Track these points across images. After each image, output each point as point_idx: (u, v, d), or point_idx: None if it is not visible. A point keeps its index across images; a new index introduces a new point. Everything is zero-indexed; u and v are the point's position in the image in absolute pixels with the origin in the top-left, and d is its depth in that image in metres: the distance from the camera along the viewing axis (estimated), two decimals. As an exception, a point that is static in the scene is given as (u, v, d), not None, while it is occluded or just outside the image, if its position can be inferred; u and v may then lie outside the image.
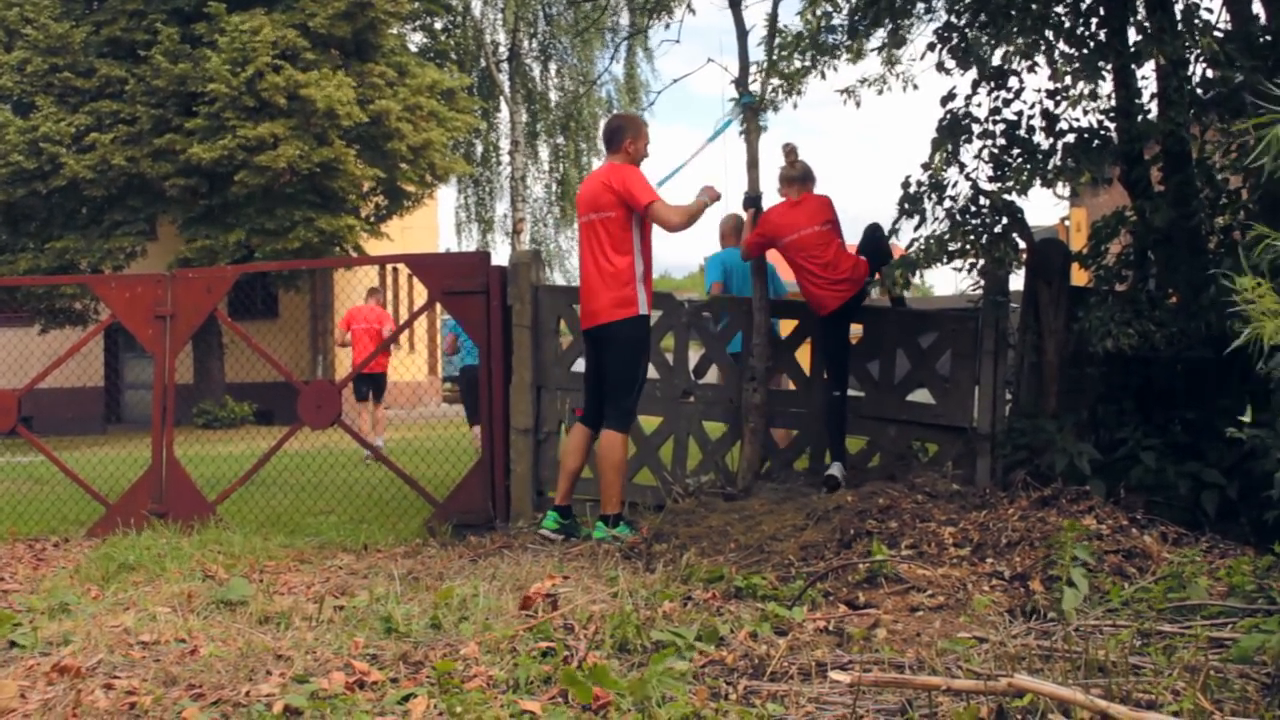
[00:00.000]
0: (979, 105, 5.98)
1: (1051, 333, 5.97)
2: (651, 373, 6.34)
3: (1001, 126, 5.93)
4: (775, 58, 6.73)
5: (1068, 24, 5.77)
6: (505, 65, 28.39)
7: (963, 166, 5.94)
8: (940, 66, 6.09)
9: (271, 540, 6.23)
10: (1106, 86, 5.96)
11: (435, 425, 14.74)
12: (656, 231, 6.02)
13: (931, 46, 6.12)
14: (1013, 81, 5.94)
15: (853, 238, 6.60)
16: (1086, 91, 5.93)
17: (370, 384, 12.56)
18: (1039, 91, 5.92)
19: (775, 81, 6.84)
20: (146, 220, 20.10)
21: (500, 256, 31.19)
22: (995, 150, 5.90)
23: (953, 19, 6.11)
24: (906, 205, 5.99)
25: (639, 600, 4.02)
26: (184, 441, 11.01)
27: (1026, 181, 5.73)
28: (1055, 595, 3.84)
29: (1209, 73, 5.78)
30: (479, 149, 30.23)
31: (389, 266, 24.14)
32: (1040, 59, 5.79)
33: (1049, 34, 5.73)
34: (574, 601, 4.00)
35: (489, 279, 6.80)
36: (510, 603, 4.15)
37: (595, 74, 29.19)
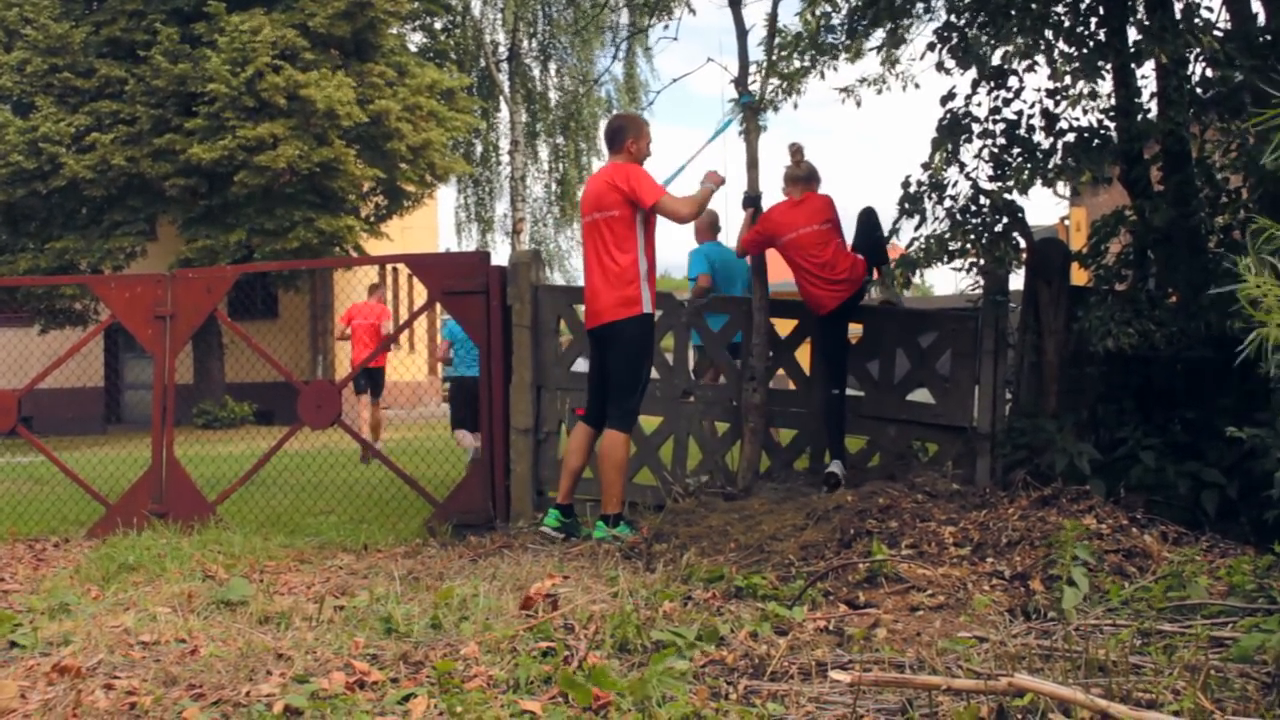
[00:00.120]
0: (979, 105, 5.99)
1: (1051, 332, 5.98)
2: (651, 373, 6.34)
3: (1001, 126, 5.93)
4: (775, 58, 6.74)
5: (1067, 23, 5.77)
6: (505, 65, 28.39)
7: (963, 166, 5.94)
8: (940, 66, 6.09)
9: (271, 540, 6.23)
10: (1106, 86, 5.98)
11: (435, 425, 14.73)
12: (658, 231, 6.04)
13: (931, 46, 6.12)
14: (1012, 81, 5.95)
15: (853, 236, 6.60)
16: (1086, 91, 5.93)
17: (368, 379, 12.56)
18: (1039, 91, 5.93)
19: (775, 81, 6.85)
20: (146, 220, 20.10)
21: (500, 256, 31.24)
22: (995, 150, 5.90)
23: (952, 18, 6.11)
24: (907, 205, 6.00)
25: (639, 600, 4.02)
26: (184, 442, 11.01)
27: (1027, 181, 5.74)
28: (1055, 595, 3.84)
29: (1209, 72, 5.78)
30: (479, 149, 30.22)
31: (389, 266, 24.12)
32: (1040, 58, 5.79)
33: (1049, 33, 5.73)
34: (574, 601, 4.00)
35: (489, 279, 6.80)
36: (510, 603, 4.15)
37: (595, 74, 29.21)
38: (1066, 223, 22.22)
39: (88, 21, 19.69)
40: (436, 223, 31.53)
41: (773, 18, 6.77)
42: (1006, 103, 5.95)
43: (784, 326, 6.62)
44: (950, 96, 6.00)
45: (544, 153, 30.65)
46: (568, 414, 6.67)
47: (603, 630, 3.62)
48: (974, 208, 5.89)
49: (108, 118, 19.18)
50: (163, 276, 7.38)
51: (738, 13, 6.68)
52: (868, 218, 6.40)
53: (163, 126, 19.15)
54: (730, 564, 4.62)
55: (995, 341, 6.16)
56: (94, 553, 5.92)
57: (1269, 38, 5.64)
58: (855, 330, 6.57)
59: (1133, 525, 4.57)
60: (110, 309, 7.46)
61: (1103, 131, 5.88)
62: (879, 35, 6.89)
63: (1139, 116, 5.74)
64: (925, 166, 5.97)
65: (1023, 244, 5.95)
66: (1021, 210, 5.88)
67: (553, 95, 30.24)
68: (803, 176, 6.41)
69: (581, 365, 6.86)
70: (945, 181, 5.93)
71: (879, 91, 7.59)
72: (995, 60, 5.94)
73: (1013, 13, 5.62)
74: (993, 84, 5.96)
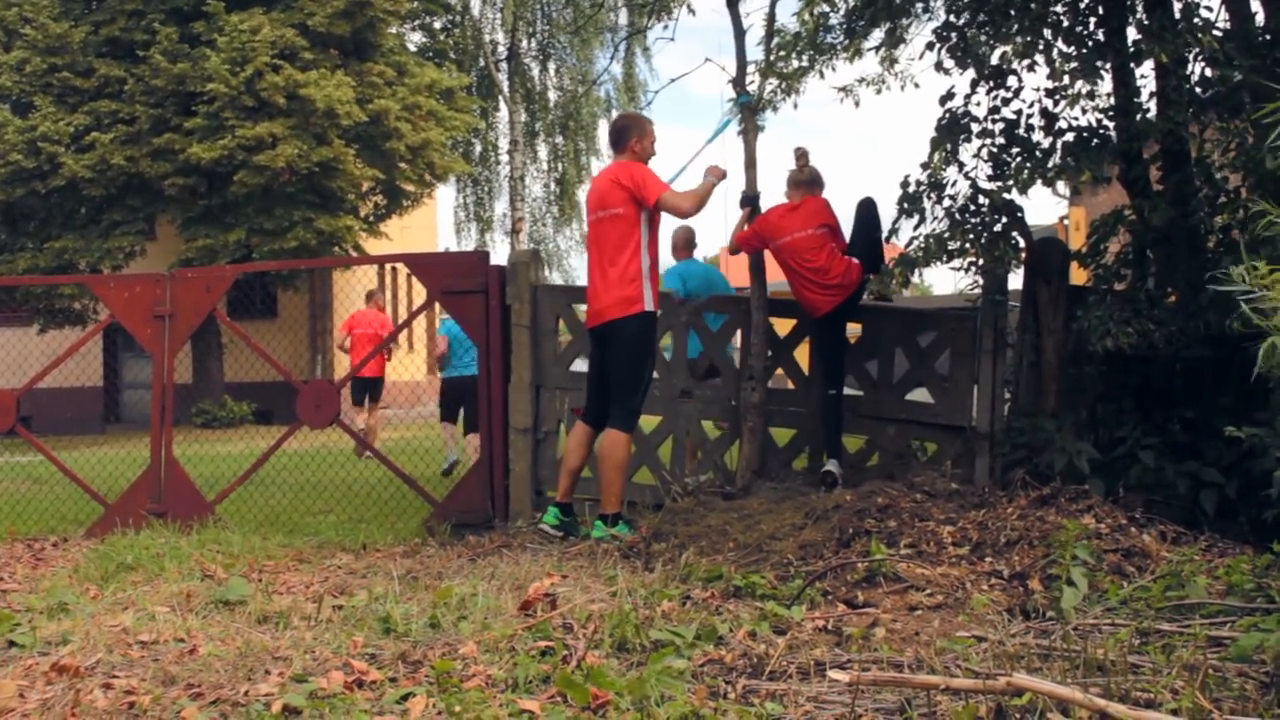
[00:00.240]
0: (978, 104, 5.99)
1: (1050, 332, 5.97)
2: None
3: (1000, 125, 5.92)
4: (773, 58, 6.73)
5: (1066, 23, 5.77)
6: (504, 65, 28.38)
7: (962, 165, 5.94)
8: (939, 66, 6.09)
9: (270, 540, 6.23)
10: (1105, 85, 5.97)
11: (434, 425, 14.71)
12: (662, 231, 6.04)
13: (930, 46, 6.12)
14: (1012, 80, 5.94)
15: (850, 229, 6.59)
16: (1085, 90, 5.93)
17: (368, 389, 12.57)
18: (1038, 90, 5.92)
19: (773, 82, 6.84)
20: (145, 220, 20.10)
21: (499, 256, 31.21)
22: (994, 149, 5.90)
23: (951, 18, 6.11)
24: (906, 204, 5.99)
25: (638, 599, 4.02)
26: (183, 441, 11.01)
27: (1026, 180, 5.73)
28: (1054, 594, 3.84)
29: (1208, 72, 5.78)
30: (478, 148, 30.21)
31: (388, 266, 24.13)
32: (1039, 58, 5.79)
33: (1048, 33, 5.73)
34: (573, 601, 4.00)
35: (488, 278, 6.80)
36: (509, 602, 4.15)
37: (594, 73, 29.20)
38: (1066, 222, 22.24)
39: (87, 21, 19.68)
40: (435, 222, 31.54)
41: (770, 18, 6.77)
42: (1005, 102, 5.95)
43: (783, 326, 6.62)
44: (949, 96, 6.00)
45: (543, 152, 30.69)
46: (566, 413, 6.67)
47: (601, 629, 3.62)
48: (973, 207, 5.89)
49: (107, 117, 19.17)
50: (162, 276, 7.38)
51: (735, 12, 6.68)
52: (867, 210, 6.38)
53: (162, 126, 19.15)
54: (729, 563, 4.61)
55: (994, 341, 6.16)
56: (93, 552, 5.92)
57: (1268, 37, 5.64)
58: (854, 330, 6.56)
59: (1131, 525, 4.57)
60: (109, 308, 7.45)
61: (1102, 131, 5.88)
62: (877, 35, 6.89)
63: (1138, 116, 5.74)
64: (924, 166, 5.96)
65: (1022, 243, 5.95)
66: (1020, 210, 5.88)
67: (552, 95, 30.27)
68: (805, 181, 6.41)
69: (580, 365, 6.86)
70: (944, 181, 5.92)
71: (878, 91, 7.59)
72: (994, 60, 5.94)
73: (1012, 12, 5.62)
74: (992, 83, 5.96)
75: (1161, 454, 5.41)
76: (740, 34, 6.67)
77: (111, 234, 19.58)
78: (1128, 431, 5.60)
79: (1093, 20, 5.83)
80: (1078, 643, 3.27)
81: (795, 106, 7.06)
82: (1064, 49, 5.75)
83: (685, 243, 8.20)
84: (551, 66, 30.11)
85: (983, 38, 5.89)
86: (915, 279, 6.29)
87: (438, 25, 25.94)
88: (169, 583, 4.95)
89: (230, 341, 20.81)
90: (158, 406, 7.27)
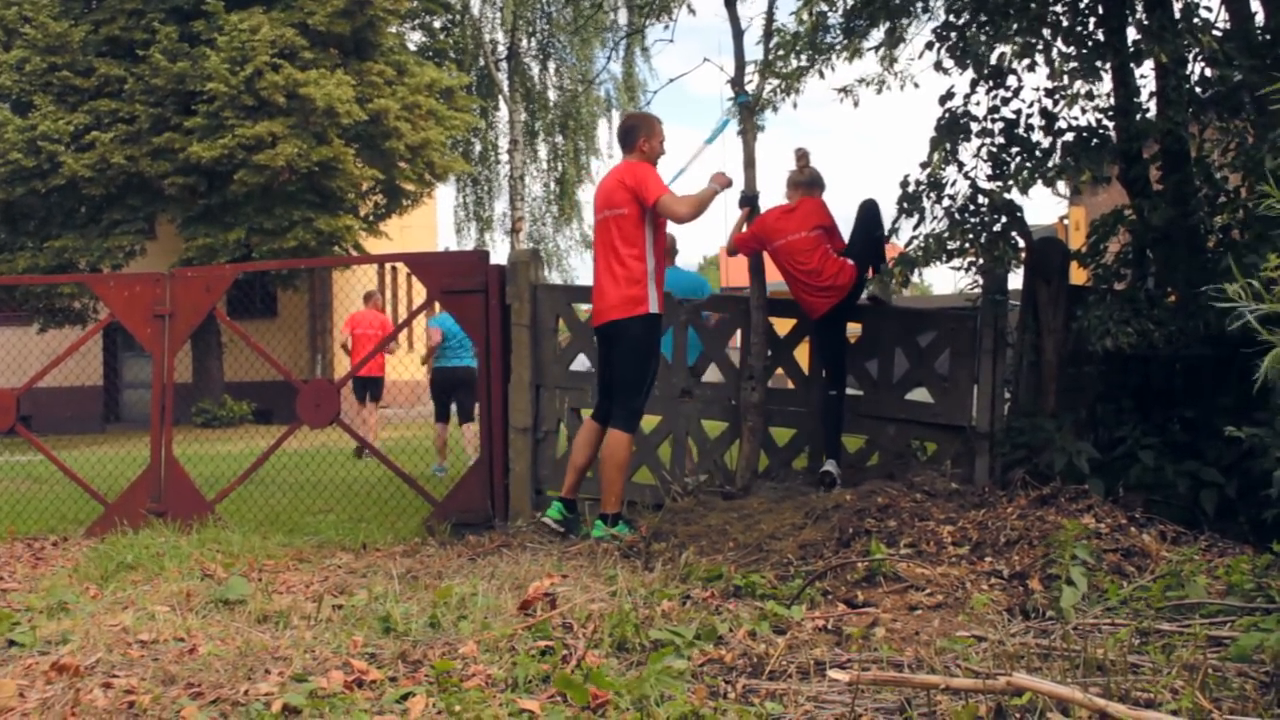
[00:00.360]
0: (977, 104, 5.98)
1: (1050, 331, 5.97)
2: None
3: (1000, 125, 5.92)
4: (772, 58, 6.73)
5: (1066, 23, 5.77)
6: (504, 64, 28.37)
7: (961, 165, 5.94)
8: (939, 65, 6.08)
9: (270, 539, 6.23)
10: (1105, 85, 5.97)
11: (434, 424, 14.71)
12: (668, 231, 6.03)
13: (930, 45, 6.12)
14: (1011, 80, 5.94)
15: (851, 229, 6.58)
16: (1085, 90, 5.92)
17: (369, 388, 12.61)
18: (1038, 90, 5.92)
19: (773, 81, 6.84)
20: (145, 219, 20.10)
21: (499, 255, 31.19)
22: (994, 149, 5.90)
23: (951, 18, 6.11)
24: (905, 204, 5.99)
25: (637, 599, 4.02)
26: (183, 440, 11.01)
27: (1026, 180, 5.73)
28: (1054, 594, 3.84)
29: (1208, 71, 5.78)
30: (477, 148, 30.20)
31: (388, 265, 24.14)
32: (1039, 58, 5.79)
33: (1047, 33, 5.73)
34: (572, 600, 3.99)
35: (488, 278, 6.80)
36: (509, 601, 4.15)
37: (594, 73, 29.19)
38: (1065, 222, 22.24)
39: (87, 20, 19.68)
40: (435, 222, 31.53)
41: (769, 17, 6.76)
42: (1005, 102, 5.95)
43: (783, 326, 6.62)
44: (949, 96, 6.00)
45: (543, 152, 30.67)
46: (566, 413, 6.67)
47: (601, 629, 3.62)
48: (973, 207, 5.88)
49: (107, 116, 19.18)
50: (161, 275, 7.38)
51: (734, 12, 6.68)
52: (868, 211, 6.38)
53: (162, 125, 19.15)
54: (729, 563, 4.61)
55: (994, 341, 6.16)
56: (92, 551, 5.92)
57: (1268, 37, 5.64)
58: (854, 330, 6.56)
59: (1131, 524, 4.57)
60: (109, 308, 7.45)
61: (1101, 131, 5.88)
62: (877, 35, 6.89)
63: (1138, 116, 5.74)
64: (924, 166, 5.96)
65: (1021, 243, 5.95)
66: (1020, 209, 5.88)
67: (552, 94, 30.26)
68: (804, 182, 6.41)
69: (580, 365, 6.86)
70: (944, 181, 5.92)
71: (878, 91, 7.58)
72: (994, 60, 5.94)
73: (1011, 12, 5.62)
74: (991, 83, 5.96)
75: (1161, 454, 5.41)
76: (739, 33, 6.66)
77: (111, 233, 19.58)
78: (1127, 431, 5.59)
79: (1092, 20, 5.82)
80: (1077, 642, 3.26)
81: (795, 106, 7.06)
82: (1064, 49, 5.74)
83: (666, 251, 8.14)
84: (551, 66, 30.14)
85: (982, 37, 5.88)
86: (915, 279, 6.30)
87: (437, 24, 25.96)
88: (169, 582, 4.95)
89: (230, 341, 20.81)
90: (157, 406, 7.27)
